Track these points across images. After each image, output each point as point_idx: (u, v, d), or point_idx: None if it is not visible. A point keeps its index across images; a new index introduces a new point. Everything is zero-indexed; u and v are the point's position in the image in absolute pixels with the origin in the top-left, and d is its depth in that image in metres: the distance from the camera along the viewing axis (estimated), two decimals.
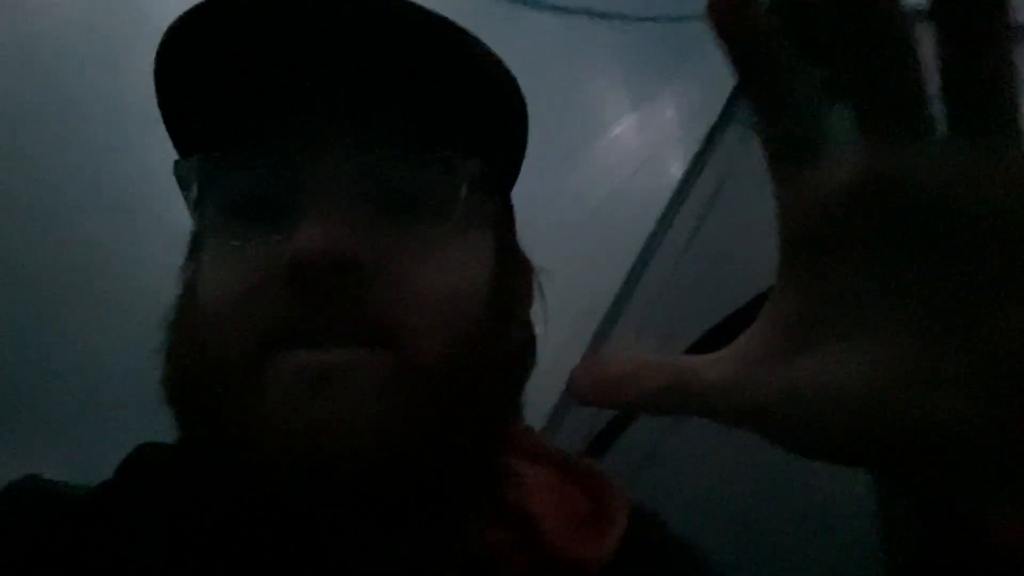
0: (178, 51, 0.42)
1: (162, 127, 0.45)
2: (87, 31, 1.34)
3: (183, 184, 0.43)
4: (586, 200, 1.70)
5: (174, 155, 0.45)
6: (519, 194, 0.51)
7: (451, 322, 0.39)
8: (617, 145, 1.81)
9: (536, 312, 0.48)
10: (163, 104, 0.44)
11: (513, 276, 0.46)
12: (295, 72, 0.41)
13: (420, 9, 0.40)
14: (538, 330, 0.47)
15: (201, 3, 0.40)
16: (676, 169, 1.84)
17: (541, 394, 0.47)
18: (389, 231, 0.39)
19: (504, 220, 0.48)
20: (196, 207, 0.43)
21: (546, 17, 1.46)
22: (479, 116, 0.43)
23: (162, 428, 0.42)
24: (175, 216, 0.45)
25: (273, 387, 0.37)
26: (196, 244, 0.45)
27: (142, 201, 1.31)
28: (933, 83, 0.22)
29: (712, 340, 1.65)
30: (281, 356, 0.37)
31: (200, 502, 0.41)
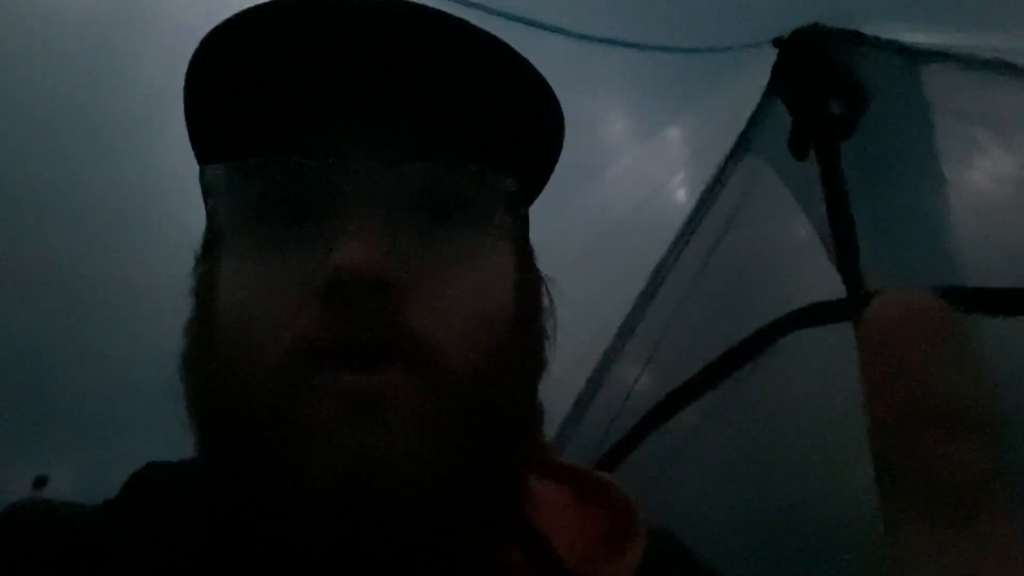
0: (212, 59, 0.41)
1: (173, 131, 0.45)
2: (96, 35, 1.34)
3: (209, 191, 0.42)
4: (593, 228, 1.70)
5: (186, 159, 0.44)
6: None
7: (483, 336, 0.39)
8: (625, 173, 1.81)
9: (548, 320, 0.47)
10: (190, 112, 0.44)
11: (531, 285, 0.46)
12: (328, 81, 0.40)
13: (460, 21, 0.39)
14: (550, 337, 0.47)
15: (239, 13, 0.39)
16: (684, 199, 1.84)
17: (549, 411, 0.46)
18: (424, 245, 0.39)
19: (524, 229, 0.48)
20: (219, 215, 0.42)
21: (558, 42, 1.46)
22: (515, 129, 0.43)
23: (174, 436, 0.41)
24: (190, 219, 0.44)
25: (316, 409, 0.36)
26: (210, 247, 0.44)
27: (156, 204, 1.31)
28: None
29: (717, 369, 1.64)
30: (322, 376, 0.36)
31: (219, 524, 0.40)
